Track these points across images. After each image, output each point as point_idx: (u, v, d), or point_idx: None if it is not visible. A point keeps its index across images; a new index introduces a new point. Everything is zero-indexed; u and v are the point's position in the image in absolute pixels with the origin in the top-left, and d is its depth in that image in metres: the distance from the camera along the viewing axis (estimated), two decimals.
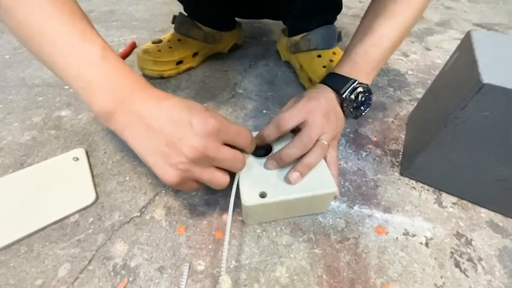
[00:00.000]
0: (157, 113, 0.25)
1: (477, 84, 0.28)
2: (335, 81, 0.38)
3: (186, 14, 0.62)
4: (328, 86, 0.38)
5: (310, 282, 0.31)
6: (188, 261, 0.32)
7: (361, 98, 0.37)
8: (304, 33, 0.57)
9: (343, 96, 0.36)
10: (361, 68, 0.38)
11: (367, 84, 0.38)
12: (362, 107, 0.38)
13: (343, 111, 0.38)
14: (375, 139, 0.48)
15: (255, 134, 0.36)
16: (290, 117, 0.34)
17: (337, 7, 0.58)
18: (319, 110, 0.34)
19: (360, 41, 0.39)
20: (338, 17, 0.60)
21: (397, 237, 0.35)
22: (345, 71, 0.38)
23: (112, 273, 0.31)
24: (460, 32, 0.87)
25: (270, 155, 0.35)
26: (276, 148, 0.35)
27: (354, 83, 0.37)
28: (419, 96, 0.58)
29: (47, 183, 0.38)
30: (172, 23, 0.62)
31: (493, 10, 1.05)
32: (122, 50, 0.69)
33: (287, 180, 0.32)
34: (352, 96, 0.36)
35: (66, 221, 0.35)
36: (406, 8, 0.37)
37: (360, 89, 0.36)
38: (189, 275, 0.31)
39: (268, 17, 0.70)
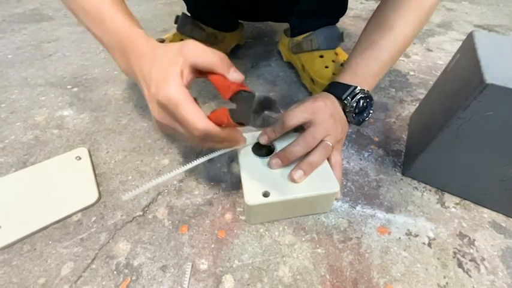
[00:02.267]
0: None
1: (480, 85, 0.28)
2: (336, 88, 0.39)
3: (188, 15, 0.62)
4: (329, 93, 0.39)
5: (313, 282, 0.31)
6: (191, 261, 0.32)
7: (363, 103, 0.38)
8: (307, 34, 0.57)
9: (344, 101, 0.38)
10: (361, 78, 0.39)
11: (368, 91, 0.38)
12: (364, 113, 0.39)
13: (346, 117, 0.38)
14: (377, 139, 0.48)
15: (258, 133, 0.37)
16: (295, 115, 0.34)
17: (342, 9, 0.59)
18: (326, 111, 0.35)
19: (361, 52, 0.40)
20: None
21: (399, 237, 0.35)
22: (345, 80, 0.39)
23: (115, 272, 0.31)
24: (462, 33, 0.87)
25: (273, 154, 0.35)
26: (278, 148, 0.35)
27: (354, 89, 0.38)
28: (421, 97, 0.58)
29: (49, 182, 0.38)
30: (175, 23, 0.62)
31: (494, 12, 1.05)
32: None
33: (291, 178, 0.32)
34: (353, 102, 0.37)
35: (69, 220, 0.35)
36: (406, 22, 0.38)
37: (360, 95, 0.38)
38: (192, 274, 0.31)
39: (271, 19, 0.70)
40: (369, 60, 0.40)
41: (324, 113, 0.34)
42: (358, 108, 0.38)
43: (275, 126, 0.34)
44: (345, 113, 0.38)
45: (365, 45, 0.40)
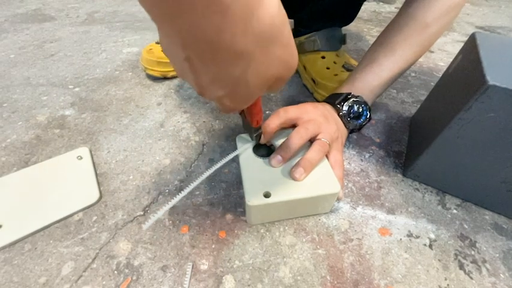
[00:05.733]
0: None
1: (482, 86, 0.28)
2: (331, 97, 0.41)
3: None
4: (324, 101, 0.42)
5: (314, 283, 0.31)
6: (191, 261, 0.32)
7: (358, 108, 0.40)
8: (310, 34, 0.57)
9: (338, 106, 0.39)
10: (357, 88, 0.41)
11: (363, 98, 0.40)
12: (361, 119, 0.40)
13: (343, 123, 0.40)
14: (378, 140, 0.48)
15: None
16: (287, 109, 0.36)
17: (352, 16, 0.59)
18: (316, 110, 0.37)
19: (361, 68, 0.42)
20: None
21: (400, 239, 0.35)
22: (342, 91, 0.41)
23: (115, 272, 0.31)
24: (463, 35, 0.87)
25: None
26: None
27: (347, 95, 0.40)
28: (422, 98, 0.58)
29: (50, 182, 0.38)
30: None
31: (496, 13, 1.05)
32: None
33: (292, 176, 0.33)
34: (346, 106, 0.39)
35: (70, 220, 0.35)
36: (409, 45, 0.39)
37: (352, 99, 0.39)
38: (193, 275, 0.31)
39: None
40: (367, 75, 0.41)
41: (314, 112, 0.36)
42: (353, 113, 0.40)
43: (270, 118, 0.35)
44: (340, 118, 0.40)
45: (366, 63, 0.42)
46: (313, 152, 0.34)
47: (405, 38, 0.39)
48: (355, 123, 0.40)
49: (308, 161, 0.33)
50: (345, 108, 0.39)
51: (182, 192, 0.29)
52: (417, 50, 0.40)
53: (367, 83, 0.41)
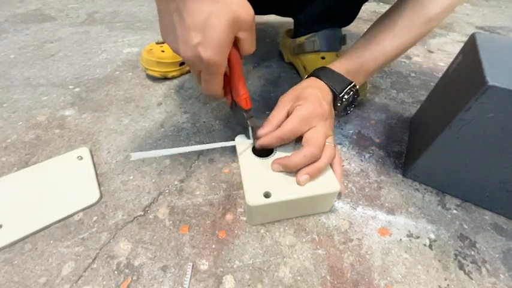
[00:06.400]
0: None
1: (482, 86, 0.28)
2: (332, 79, 0.39)
3: None
4: (325, 83, 0.39)
5: (314, 283, 0.31)
6: (191, 261, 0.32)
7: (350, 98, 0.40)
8: (310, 35, 0.57)
9: (340, 96, 0.39)
10: (353, 74, 0.40)
11: (357, 86, 0.40)
12: (348, 107, 0.41)
13: (336, 114, 0.40)
14: (378, 141, 0.48)
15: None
16: (294, 131, 0.33)
17: (352, 17, 0.59)
18: (324, 116, 0.34)
19: (361, 49, 0.41)
20: None
21: (400, 239, 0.35)
22: (341, 69, 0.40)
23: (116, 272, 0.31)
24: (463, 35, 0.87)
25: (272, 154, 0.35)
26: (279, 148, 0.36)
27: (350, 84, 0.39)
28: (422, 98, 0.58)
29: (51, 182, 0.38)
30: None
31: (496, 13, 1.05)
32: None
33: (297, 180, 0.32)
34: (348, 98, 0.39)
35: (70, 220, 0.35)
36: (413, 30, 0.39)
37: (352, 91, 0.39)
38: (193, 275, 0.31)
39: (278, 13, 0.67)
40: (365, 60, 0.40)
41: (322, 120, 0.34)
42: (347, 103, 0.40)
43: (273, 141, 0.34)
44: (334, 106, 0.39)
45: (366, 43, 0.41)
46: (324, 160, 0.33)
47: (409, 27, 0.39)
48: (343, 113, 0.42)
49: (316, 169, 0.33)
50: (347, 100, 0.39)
51: (178, 148, 0.32)
52: (418, 38, 0.40)
53: (362, 68, 0.41)
